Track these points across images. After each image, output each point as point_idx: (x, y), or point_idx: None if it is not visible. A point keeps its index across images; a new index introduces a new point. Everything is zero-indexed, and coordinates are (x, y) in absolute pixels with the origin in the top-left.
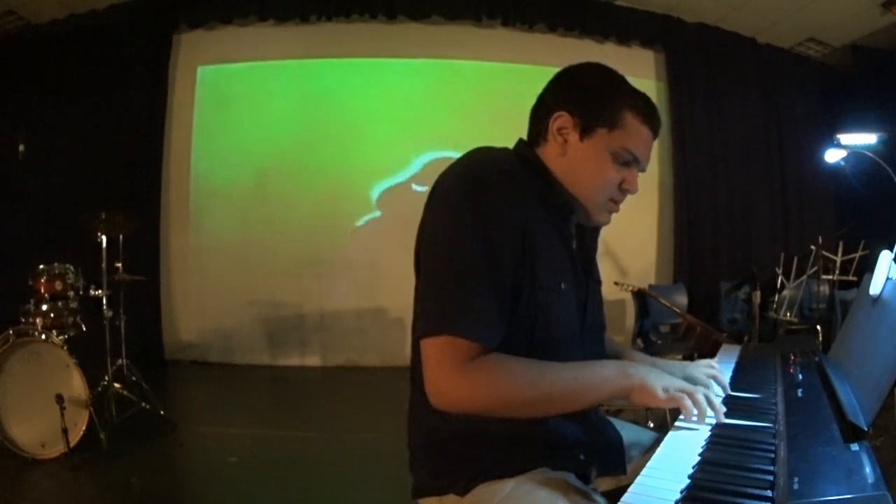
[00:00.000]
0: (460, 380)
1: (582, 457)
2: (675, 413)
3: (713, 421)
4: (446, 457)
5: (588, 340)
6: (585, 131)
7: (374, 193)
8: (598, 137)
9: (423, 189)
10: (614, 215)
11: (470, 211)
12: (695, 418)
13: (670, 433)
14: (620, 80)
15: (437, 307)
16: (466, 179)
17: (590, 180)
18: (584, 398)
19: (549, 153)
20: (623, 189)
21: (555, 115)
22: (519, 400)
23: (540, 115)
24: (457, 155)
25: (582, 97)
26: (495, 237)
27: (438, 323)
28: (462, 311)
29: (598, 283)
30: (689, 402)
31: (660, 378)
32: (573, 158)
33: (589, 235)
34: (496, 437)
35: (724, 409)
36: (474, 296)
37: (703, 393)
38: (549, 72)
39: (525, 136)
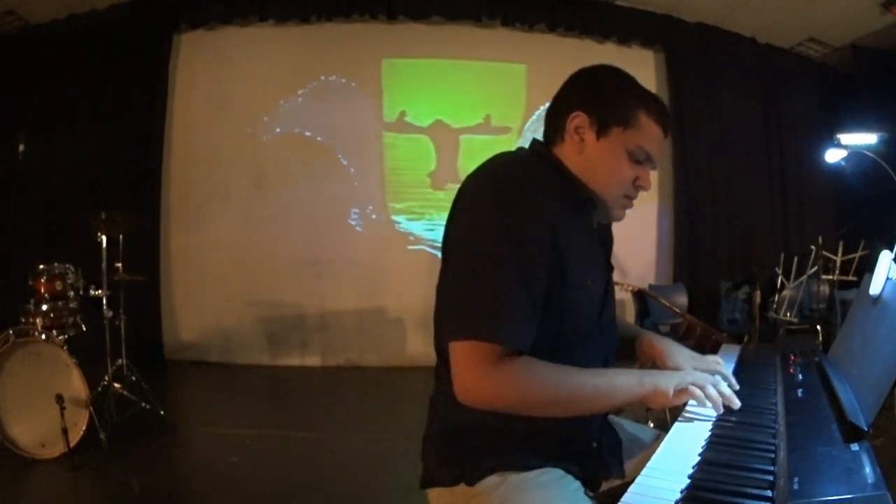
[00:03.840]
0: (487, 380)
1: (590, 457)
2: (676, 413)
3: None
4: (461, 447)
5: (605, 331)
6: (602, 130)
7: (375, 193)
8: (614, 136)
9: (424, 189)
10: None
11: (500, 215)
12: (708, 407)
13: (670, 432)
14: (633, 82)
15: (468, 311)
16: (495, 184)
17: (606, 177)
18: (601, 403)
19: (567, 152)
20: (637, 186)
21: (572, 116)
22: (541, 402)
23: (556, 115)
24: (458, 155)
25: (598, 98)
26: (526, 241)
27: (469, 327)
28: (492, 316)
29: (613, 270)
30: (698, 392)
31: (671, 379)
32: (590, 157)
33: (605, 229)
34: (511, 432)
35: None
36: (505, 300)
37: (712, 384)
38: (549, 72)
39: (520, 134)
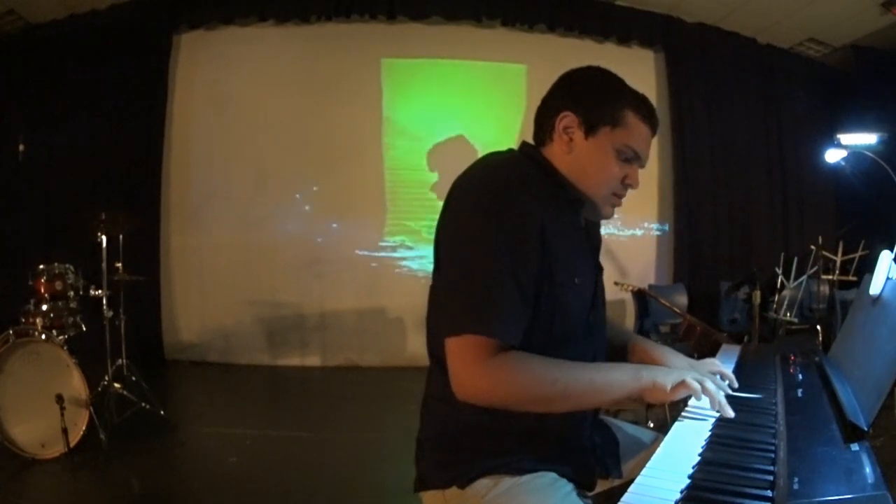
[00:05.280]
0: (482, 374)
1: (584, 456)
2: (675, 413)
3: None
4: (453, 450)
5: (594, 330)
6: (590, 130)
7: (374, 193)
8: (603, 135)
9: (423, 189)
10: (616, 215)
11: (492, 213)
12: (705, 402)
13: (670, 432)
14: (621, 82)
15: (461, 307)
16: (485, 183)
17: (595, 176)
18: (597, 398)
19: (556, 152)
20: (625, 184)
21: (560, 116)
22: (537, 396)
23: (545, 116)
24: (457, 155)
25: (586, 98)
26: (517, 238)
27: (463, 322)
28: (485, 311)
29: (602, 271)
30: (696, 385)
31: (669, 375)
32: (579, 156)
33: (593, 228)
34: (504, 434)
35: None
36: (498, 296)
37: (710, 381)
38: (549, 72)
39: (520, 134)
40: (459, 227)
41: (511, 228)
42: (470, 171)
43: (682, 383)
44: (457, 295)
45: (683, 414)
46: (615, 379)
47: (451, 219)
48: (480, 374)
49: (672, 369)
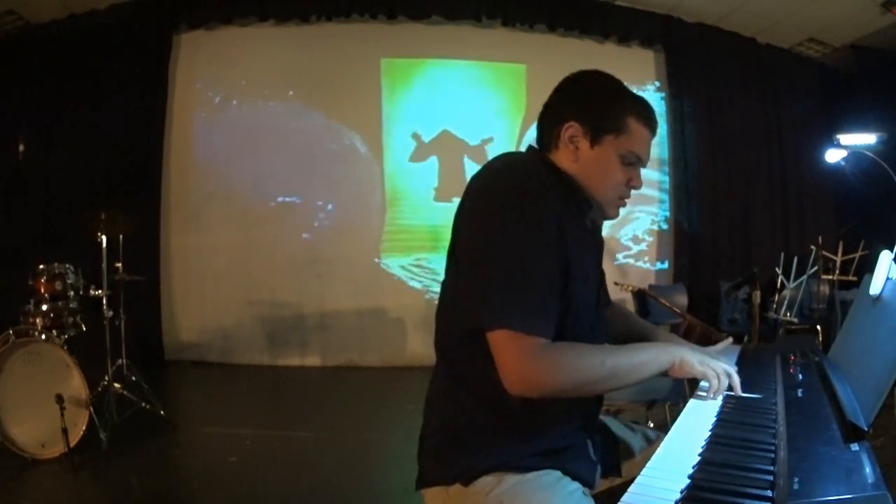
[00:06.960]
0: (538, 369)
1: (585, 455)
2: (675, 413)
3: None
4: (457, 447)
5: (597, 330)
6: (595, 139)
7: (375, 193)
8: (607, 143)
9: (424, 189)
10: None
11: (516, 209)
12: (721, 393)
13: (670, 432)
14: (622, 87)
15: (504, 303)
16: (505, 180)
17: (602, 182)
18: (637, 374)
19: (562, 159)
20: (630, 186)
21: (566, 125)
22: (588, 379)
23: (550, 124)
24: (457, 155)
25: (590, 107)
26: (541, 233)
27: (507, 318)
28: (529, 306)
29: (604, 275)
30: (725, 382)
31: (694, 354)
32: (585, 164)
33: (597, 232)
34: (508, 432)
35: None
36: (541, 290)
37: (728, 371)
38: (549, 72)
39: (520, 134)
40: (486, 224)
41: (538, 224)
42: (488, 169)
43: (711, 374)
44: (496, 290)
45: (687, 408)
46: (650, 356)
47: (474, 215)
48: (536, 369)
49: (696, 350)
